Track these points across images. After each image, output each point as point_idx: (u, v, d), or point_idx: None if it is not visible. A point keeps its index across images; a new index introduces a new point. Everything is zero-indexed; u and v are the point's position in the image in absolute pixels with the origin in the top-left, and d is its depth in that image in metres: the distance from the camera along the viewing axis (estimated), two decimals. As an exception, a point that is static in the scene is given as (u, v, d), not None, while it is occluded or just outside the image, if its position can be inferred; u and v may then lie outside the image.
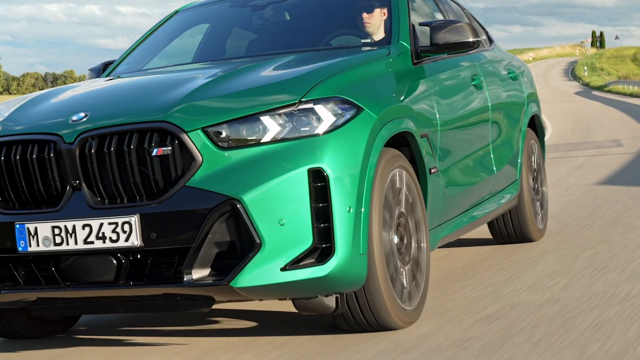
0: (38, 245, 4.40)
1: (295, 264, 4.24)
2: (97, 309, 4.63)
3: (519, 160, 7.02)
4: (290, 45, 6.00)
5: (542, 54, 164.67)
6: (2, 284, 4.57)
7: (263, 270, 4.21)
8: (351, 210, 4.33)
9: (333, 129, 4.38)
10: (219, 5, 6.67)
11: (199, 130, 4.28)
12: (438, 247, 5.65)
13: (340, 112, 4.44)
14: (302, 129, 4.34)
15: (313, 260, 4.27)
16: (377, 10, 5.92)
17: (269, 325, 5.19)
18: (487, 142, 6.33)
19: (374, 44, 5.71)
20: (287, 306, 5.45)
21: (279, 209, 4.21)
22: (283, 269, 4.23)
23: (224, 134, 4.30)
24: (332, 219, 4.26)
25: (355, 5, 6.15)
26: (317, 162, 4.27)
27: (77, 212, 4.35)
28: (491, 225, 7.25)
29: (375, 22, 5.90)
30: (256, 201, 4.19)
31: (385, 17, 5.90)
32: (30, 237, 4.41)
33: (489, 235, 7.46)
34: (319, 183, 4.26)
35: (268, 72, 4.83)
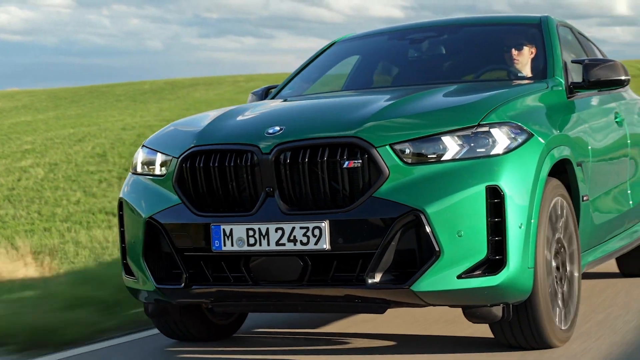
0: (232, 245, 4.81)
1: (469, 272, 4.60)
2: (279, 307, 5.02)
3: (650, 198, 7.29)
4: (437, 78, 6.39)
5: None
6: (193, 281, 4.98)
7: (441, 277, 4.58)
8: (522, 227, 4.67)
9: (508, 151, 4.74)
10: (373, 39, 7.10)
11: (387, 146, 4.68)
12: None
13: (513, 136, 4.80)
14: (478, 150, 4.71)
15: (486, 270, 4.62)
16: (525, 48, 6.29)
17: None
18: (625, 177, 6.63)
19: (530, 78, 6.07)
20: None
21: (458, 221, 4.58)
22: (459, 277, 4.59)
23: (407, 151, 4.69)
24: (506, 234, 4.62)
25: (505, 42, 6.52)
26: (495, 180, 4.63)
27: (270, 216, 4.76)
28: (619, 257, 7.52)
29: (523, 60, 6.28)
30: (438, 213, 4.57)
31: (533, 55, 6.27)
32: (225, 237, 4.82)
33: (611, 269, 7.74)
34: (495, 200, 4.62)
35: (443, 98, 5.21)
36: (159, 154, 5.25)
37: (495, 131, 4.77)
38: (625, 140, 6.66)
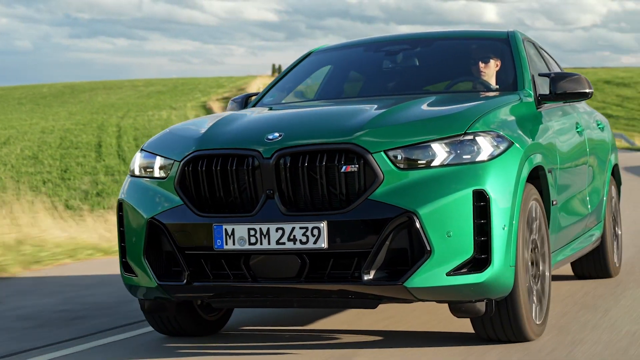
0: (234, 244, 5.11)
1: (457, 270, 4.96)
2: (275, 303, 5.32)
3: (604, 204, 7.76)
4: (409, 88, 6.76)
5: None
6: (194, 278, 5.27)
7: (432, 274, 4.93)
8: (505, 228, 5.05)
9: (491, 158, 5.11)
10: (349, 50, 7.44)
11: (382, 152, 5.02)
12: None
13: (496, 144, 5.18)
14: (464, 156, 5.08)
15: (472, 268, 4.98)
16: (492, 61, 6.70)
17: None
18: (585, 183, 7.07)
19: (500, 90, 6.46)
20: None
21: (447, 223, 4.94)
22: (448, 274, 4.95)
23: (399, 157, 5.04)
24: (490, 234, 4.99)
25: (473, 55, 6.91)
26: (481, 185, 5.01)
27: (271, 217, 5.07)
28: (574, 261, 7.95)
29: (490, 72, 6.69)
30: (429, 214, 4.93)
31: (498, 68, 6.68)
32: (227, 236, 5.12)
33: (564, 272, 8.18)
34: (481, 203, 4.99)
35: (430, 108, 5.55)
36: (158, 157, 5.52)
37: (480, 139, 5.14)
38: (585, 149, 7.10)
